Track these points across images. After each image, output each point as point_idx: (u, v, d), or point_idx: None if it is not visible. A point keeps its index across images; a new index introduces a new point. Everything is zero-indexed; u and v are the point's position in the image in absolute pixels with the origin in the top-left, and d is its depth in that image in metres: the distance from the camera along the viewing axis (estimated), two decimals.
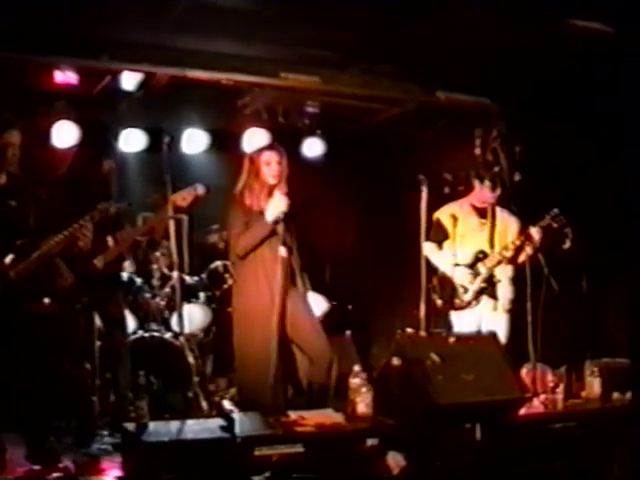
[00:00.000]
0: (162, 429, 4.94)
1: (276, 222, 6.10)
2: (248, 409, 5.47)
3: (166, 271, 7.52)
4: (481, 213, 7.10)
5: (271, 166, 6.25)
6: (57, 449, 5.64)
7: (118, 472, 5.18)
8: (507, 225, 7.09)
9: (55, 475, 5.31)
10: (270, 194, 6.18)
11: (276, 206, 6.08)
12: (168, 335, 7.33)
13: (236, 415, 4.91)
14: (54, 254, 5.63)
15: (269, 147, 6.52)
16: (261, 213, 6.18)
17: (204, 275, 7.96)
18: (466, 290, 6.98)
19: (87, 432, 6.17)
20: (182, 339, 6.84)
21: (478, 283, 6.96)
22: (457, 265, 7.00)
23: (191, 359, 6.86)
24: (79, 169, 6.76)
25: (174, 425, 5.06)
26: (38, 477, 5.28)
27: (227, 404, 5.06)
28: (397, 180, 8.05)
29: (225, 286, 7.81)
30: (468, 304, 7.00)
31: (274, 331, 6.13)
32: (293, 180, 6.43)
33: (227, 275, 7.77)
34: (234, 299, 6.46)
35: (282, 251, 6.13)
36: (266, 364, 6.13)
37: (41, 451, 5.53)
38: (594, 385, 6.29)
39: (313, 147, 8.45)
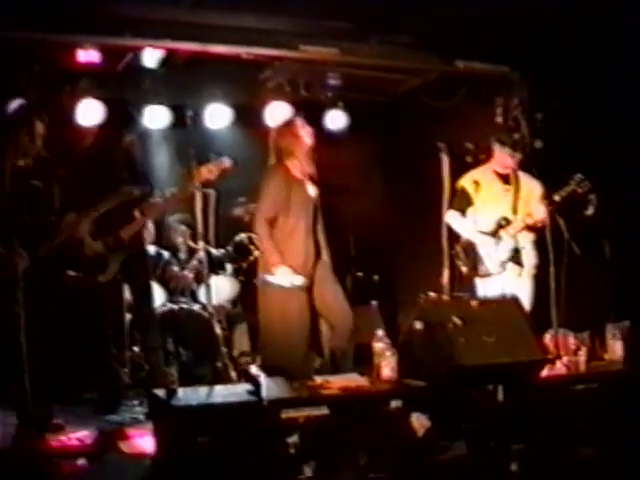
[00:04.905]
0: (191, 395, 5.06)
1: None
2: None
3: (192, 244, 7.65)
4: (505, 179, 7.09)
5: (306, 128, 6.47)
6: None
7: (147, 438, 5.35)
8: (531, 190, 7.06)
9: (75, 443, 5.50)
10: (308, 156, 6.46)
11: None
12: (196, 307, 7.46)
13: (263, 380, 4.99)
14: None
15: (296, 114, 6.81)
16: (301, 182, 6.39)
17: (230, 247, 8.07)
18: (490, 258, 7.01)
19: (111, 400, 6.34)
20: (210, 309, 6.96)
21: (502, 250, 6.98)
22: (480, 232, 7.02)
23: (219, 330, 6.98)
24: (102, 146, 6.88)
25: (203, 391, 5.19)
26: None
27: (254, 369, 5.14)
28: (420, 150, 8.07)
29: (251, 258, 7.92)
30: (493, 272, 7.02)
31: (306, 302, 6.29)
32: (317, 153, 6.57)
33: (252, 247, 7.88)
34: (260, 270, 6.57)
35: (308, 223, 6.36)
36: (295, 333, 6.27)
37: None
38: (616, 348, 6.30)
39: (336, 119, 8.49)
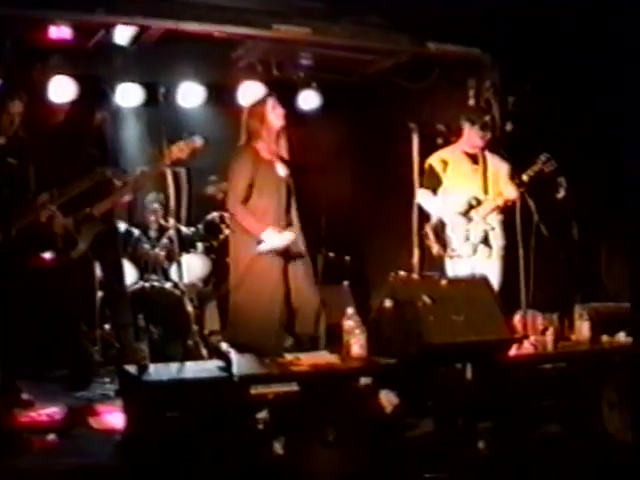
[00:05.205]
0: (162, 370, 5.07)
1: None
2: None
3: (163, 222, 7.65)
4: (473, 159, 7.13)
5: (276, 110, 6.44)
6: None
7: (117, 414, 5.37)
8: (498, 170, 7.11)
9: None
10: (278, 137, 6.43)
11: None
12: (168, 285, 7.47)
13: (233, 356, 5.02)
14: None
15: (268, 95, 6.72)
16: (270, 163, 6.36)
17: (200, 226, 8.07)
18: (460, 239, 7.03)
19: (82, 377, 6.35)
20: (181, 287, 6.97)
21: (472, 231, 7.03)
22: (451, 212, 7.04)
23: (190, 308, 7.00)
24: (73, 123, 6.86)
25: (174, 367, 5.21)
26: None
27: (225, 346, 5.18)
28: (392, 131, 8.08)
29: (222, 236, 7.92)
30: (463, 254, 7.05)
31: (280, 280, 6.29)
32: (289, 133, 6.57)
33: (223, 225, 7.89)
34: (232, 249, 6.58)
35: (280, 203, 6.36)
36: (267, 312, 6.27)
37: None
38: (583, 328, 6.34)
39: (309, 100, 8.51)
